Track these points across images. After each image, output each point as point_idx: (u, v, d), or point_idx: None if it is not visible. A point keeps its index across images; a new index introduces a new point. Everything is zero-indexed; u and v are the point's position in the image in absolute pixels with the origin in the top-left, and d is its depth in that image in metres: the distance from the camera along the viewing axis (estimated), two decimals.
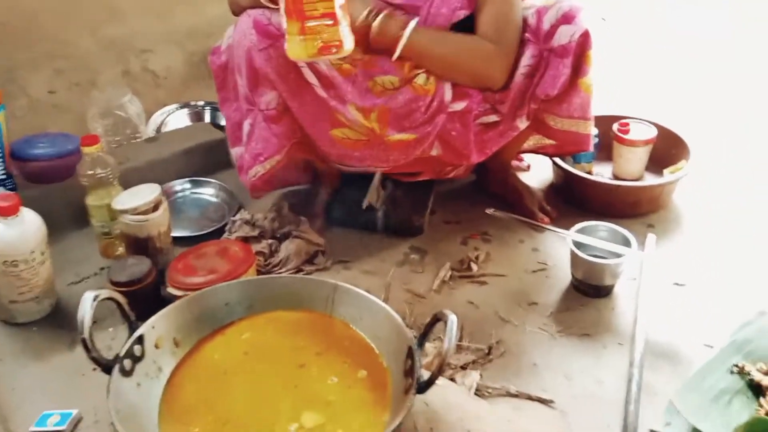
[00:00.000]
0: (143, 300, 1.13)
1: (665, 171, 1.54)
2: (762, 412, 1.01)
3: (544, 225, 1.45)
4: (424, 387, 0.79)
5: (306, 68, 1.27)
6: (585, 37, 1.27)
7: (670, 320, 1.27)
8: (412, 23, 1.27)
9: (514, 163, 1.68)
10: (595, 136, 1.60)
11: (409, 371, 0.83)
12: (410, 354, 0.85)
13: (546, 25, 1.29)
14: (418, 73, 1.32)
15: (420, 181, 1.50)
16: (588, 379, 1.16)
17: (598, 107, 1.54)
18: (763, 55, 2.17)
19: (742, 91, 2.15)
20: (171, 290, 1.15)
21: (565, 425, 1.07)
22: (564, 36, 1.28)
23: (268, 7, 1.25)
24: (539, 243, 1.49)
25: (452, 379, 1.16)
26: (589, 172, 1.65)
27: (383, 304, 0.93)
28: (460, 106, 1.34)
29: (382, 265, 1.43)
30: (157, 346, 0.89)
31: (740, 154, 1.81)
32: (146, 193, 1.24)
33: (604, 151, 1.66)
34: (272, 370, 0.90)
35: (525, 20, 1.32)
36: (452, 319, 0.80)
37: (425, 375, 0.82)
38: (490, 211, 1.41)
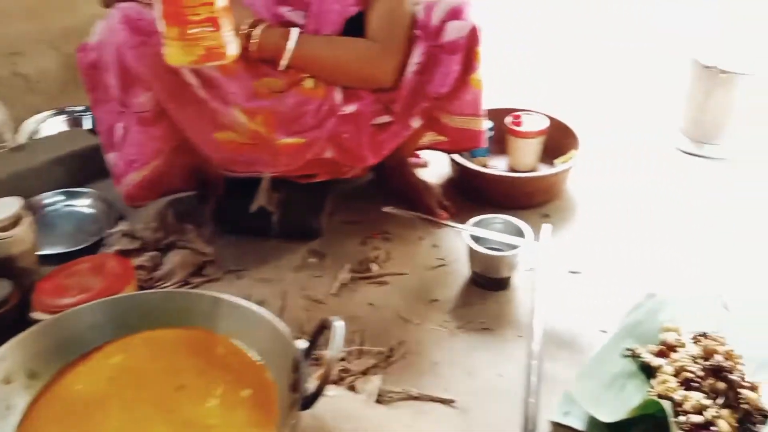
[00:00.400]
0: (4, 328, 1.01)
1: (556, 161, 1.57)
2: (654, 394, 1.03)
3: (442, 221, 1.44)
4: (309, 402, 0.74)
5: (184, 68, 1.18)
6: (473, 33, 1.27)
7: (567, 308, 1.28)
8: (294, 34, 1.22)
9: (412, 159, 1.65)
10: (489, 129, 1.60)
11: (295, 385, 0.77)
12: (296, 367, 0.80)
13: (435, 21, 1.28)
14: (306, 77, 1.27)
15: (316, 182, 1.45)
16: (489, 374, 1.14)
17: (492, 101, 1.55)
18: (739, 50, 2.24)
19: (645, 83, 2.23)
20: (36, 315, 1.04)
21: (466, 424, 1.05)
22: (453, 32, 1.26)
23: (139, 1, 1.16)
24: (439, 239, 1.47)
25: (352, 387, 1.12)
26: (486, 166, 1.65)
27: (268, 315, 0.87)
28: (351, 108, 1.30)
29: (279, 271, 1.37)
30: (7, 381, 0.79)
31: (628, 142, 1.87)
32: (3, 208, 1.12)
33: (500, 144, 1.67)
34: (144, 395, 0.82)
35: (414, 16, 1.29)
36: (338, 325, 0.75)
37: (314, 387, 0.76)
38: (387, 209, 1.38)
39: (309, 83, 1.27)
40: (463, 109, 1.36)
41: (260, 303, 1.26)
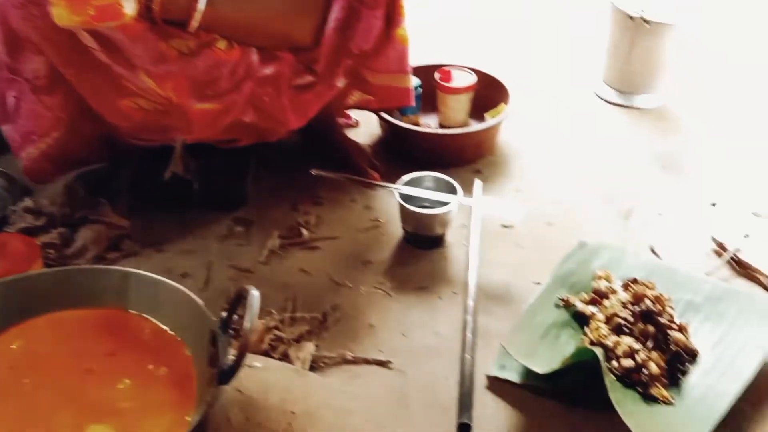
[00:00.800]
0: None
1: (486, 115, 1.54)
2: (587, 341, 1.03)
3: (373, 181, 1.39)
4: (227, 375, 0.69)
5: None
6: None
7: (501, 262, 1.27)
8: None
9: (343, 120, 1.60)
10: (418, 86, 1.56)
11: (212, 360, 0.72)
12: (213, 340, 0.74)
13: None
14: (218, 37, 1.18)
15: (238, 147, 1.37)
16: (425, 333, 1.12)
17: (419, 57, 1.50)
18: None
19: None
20: None
21: (403, 384, 1.03)
22: None
23: None
24: (371, 200, 1.43)
25: (286, 355, 1.08)
26: (417, 124, 1.61)
27: (182, 289, 0.81)
28: (269, 70, 1.21)
29: (203, 242, 1.30)
30: None
31: (555, 94, 1.87)
32: None
33: (430, 101, 1.63)
34: (48, 382, 0.75)
35: None
36: (253, 294, 0.70)
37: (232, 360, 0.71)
38: (315, 171, 1.32)
39: (222, 44, 1.18)
40: (388, 66, 1.31)
41: (183, 276, 1.22)
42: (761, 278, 1.22)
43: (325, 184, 1.45)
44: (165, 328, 0.83)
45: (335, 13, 1.22)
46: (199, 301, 0.79)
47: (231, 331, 1.09)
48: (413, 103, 1.43)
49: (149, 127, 1.18)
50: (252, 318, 0.68)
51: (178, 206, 1.34)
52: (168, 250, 1.27)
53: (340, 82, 1.30)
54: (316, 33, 1.22)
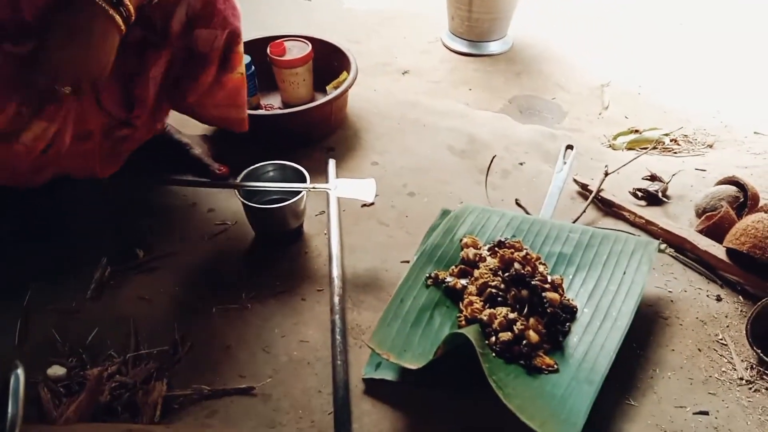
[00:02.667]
0: None
1: (328, 88, 1.41)
2: (462, 319, 0.95)
3: (200, 180, 1.22)
4: None
5: None
6: (231, 35, 1.09)
7: (366, 247, 1.16)
8: None
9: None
10: (249, 64, 1.40)
11: None
12: None
13: (176, 26, 1.03)
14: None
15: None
16: (290, 344, 1.00)
17: (249, 30, 1.33)
18: None
19: None
20: None
21: (270, 410, 0.90)
22: (205, 43, 1.07)
23: None
24: (214, 201, 1.26)
25: (133, 403, 0.92)
26: (258, 106, 1.46)
27: None
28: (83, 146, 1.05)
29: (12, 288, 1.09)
30: None
31: (404, 51, 1.77)
32: None
33: (270, 79, 1.47)
34: None
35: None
36: (17, 374, 0.53)
37: None
38: (138, 180, 1.13)
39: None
40: (222, 101, 1.18)
41: None
42: (626, 214, 1.20)
43: (157, 189, 1.27)
44: None
45: (158, 69, 1.04)
46: None
47: (62, 390, 0.94)
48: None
49: None
50: (16, 404, 0.52)
51: None
52: None
53: (163, 123, 1.20)
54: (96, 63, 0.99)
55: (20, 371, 0.54)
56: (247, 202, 1.10)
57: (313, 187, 1.12)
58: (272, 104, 1.50)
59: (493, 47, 1.80)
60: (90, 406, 0.90)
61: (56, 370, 0.96)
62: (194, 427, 0.85)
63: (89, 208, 1.22)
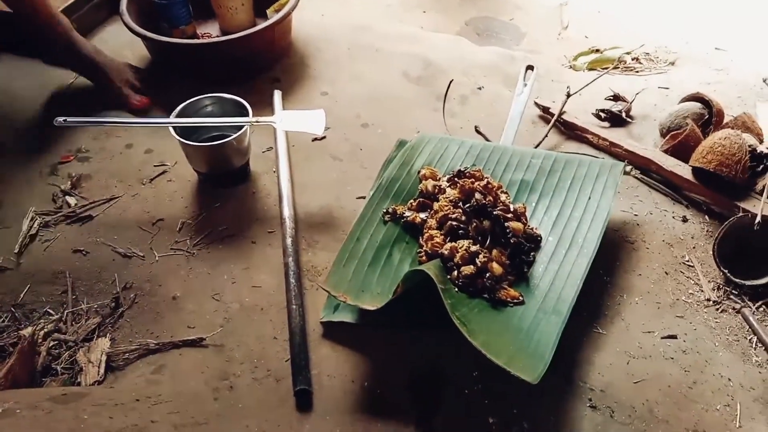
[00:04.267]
0: None
1: (269, 11, 1.29)
2: (423, 254, 0.89)
3: (141, 120, 1.12)
4: None
5: None
6: None
7: (318, 183, 1.09)
8: None
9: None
10: None
11: None
12: None
13: None
14: None
15: None
16: (242, 290, 0.93)
17: None
18: None
19: None
20: None
21: (223, 361, 0.84)
22: None
23: None
24: (151, 142, 1.16)
25: (74, 362, 0.86)
26: (194, 36, 1.33)
27: None
28: None
29: None
30: None
31: None
32: None
33: (206, 5, 1.34)
34: None
35: None
36: None
37: None
38: (58, 121, 1.01)
39: None
40: None
41: None
42: (589, 137, 1.15)
43: (89, 132, 1.16)
44: None
45: None
46: None
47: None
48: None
49: None
50: None
51: None
52: None
53: None
54: None
55: None
56: (184, 141, 1.00)
57: (257, 121, 1.03)
58: (210, 33, 1.37)
59: None
60: (24, 369, 0.83)
61: None
62: (140, 387, 0.79)
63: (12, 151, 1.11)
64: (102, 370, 0.84)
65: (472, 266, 0.84)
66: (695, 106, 1.12)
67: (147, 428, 0.70)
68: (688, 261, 0.95)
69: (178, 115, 1.03)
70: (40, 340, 0.88)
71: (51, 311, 0.92)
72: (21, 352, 0.82)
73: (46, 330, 0.90)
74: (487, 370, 0.79)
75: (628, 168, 0.97)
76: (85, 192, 1.08)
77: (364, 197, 1.04)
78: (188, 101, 1.05)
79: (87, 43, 1.20)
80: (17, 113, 1.20)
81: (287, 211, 1.01)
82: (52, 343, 0.89)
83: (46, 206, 1.05)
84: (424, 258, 0.89)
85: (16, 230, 1.01)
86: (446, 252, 0.87)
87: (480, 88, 1.27)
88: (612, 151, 1.12)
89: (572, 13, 1.60)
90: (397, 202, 0.97)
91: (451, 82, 1.27)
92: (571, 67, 1.41)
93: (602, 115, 1.20)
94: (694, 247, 0.97)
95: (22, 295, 0.93)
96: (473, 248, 0.86)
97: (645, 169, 1.08)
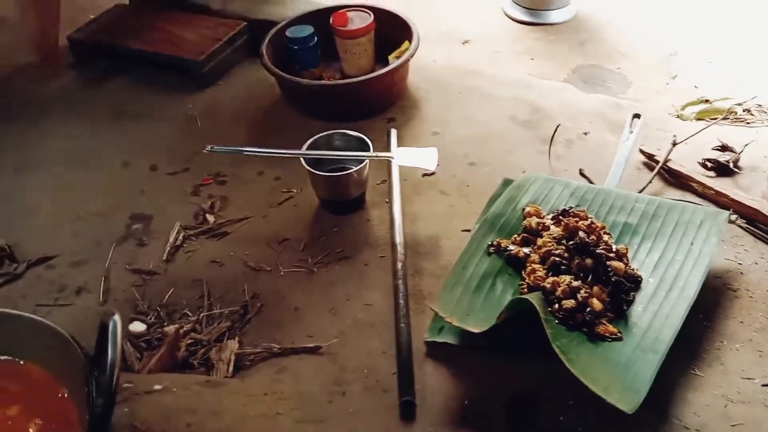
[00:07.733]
0: None
1: (390, 57, 1.42)
2: (525, 287, 0.96)
3: (277, 151, 1.26)
4: (101, 416, 0.58)
5: None
6: None
7: (426, 215, 1.18)
8: None
9: None
10: (312, 35, 1.42)
11: (88, 402, 0.61)
12: (86, 377, 0.63)
13: None
14: None
15: None
16: (355, 307, 1.03)
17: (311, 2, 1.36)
18: None
19: None
20: None
21: (337, 369, 0.94)
22: None
23: None
24: (281, 170, 1.30)
25: (208, 359, 0.98)
26: (320, 77, 1.48)
27: (43, 319, 0.69)
28: None
29: (96, 249, 1.16)
30: None
31: (465, 21, 1.75)
32: None
33: (332, 50, 1.49)
34: None
35: None
36: (114, 320, 0.58)
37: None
38: (207, 148, 1.16)
39: None
40: None
41: (78, 292, 1.08)
42: (694, 185, 1.17)
43: (226, 160, 1.32)
44: (38, 368, 0.70)
45: None
46: (65, 334, 0.67)
47: (143, 344, 1.00)
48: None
49: None
50: (115, 346, 0.57)
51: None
52: (58, 264, 1.13)
53: None
54: None
55: (116, 317, 0.59)
56: (312, 170, 1.13)
57: (377, 155, 1.14)
58: (334, 75, 1.52)
59: (556, 16, 1.76)
60: (170, 359, 0.96)
61: (137, 327, 1.02)
62: (266, 384, 0.90)
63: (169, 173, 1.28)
64: (231, 368, 0.96)
65: (573, 300, 0.90)
66: None
67: (274, 418, 0.80)
68: None
69: (309, 148, 1.16)
70: (180, 337, 1.02)
71: (189, 313, 1.05)
72: (169, 345, 0.95)
73: (185, 329, 1.03)
74: (582, 399, 0.83)
75: (734, 217, 0.99)
76: (222, 211, 1.22)
77: (469, 230, 1.11)
78: (318, 135, 1.18)
79: None
80: (173, 136, 1.37)
81: (398, 238, 1.10)
82: (189, 341, 1.02)
83: (190, 221, 1.20)
84: (525, 290, 0.95)
85: (164, 240, 1.16)
86: (548, 285, 0.92)
87: (586, 134, 1.33)
88: (717, 200, 1.13)
89: (682, 63, 1.61)
90: (502, 236, 1.04)
91: (558, 126, 1.33)
92: (678, 116, 1.43)
93: (709, 164, 1.22)
94: None
95: (166, 297, 1.07)
96: (575, 283, 0.91)
97: (751, 219, 1.09)
